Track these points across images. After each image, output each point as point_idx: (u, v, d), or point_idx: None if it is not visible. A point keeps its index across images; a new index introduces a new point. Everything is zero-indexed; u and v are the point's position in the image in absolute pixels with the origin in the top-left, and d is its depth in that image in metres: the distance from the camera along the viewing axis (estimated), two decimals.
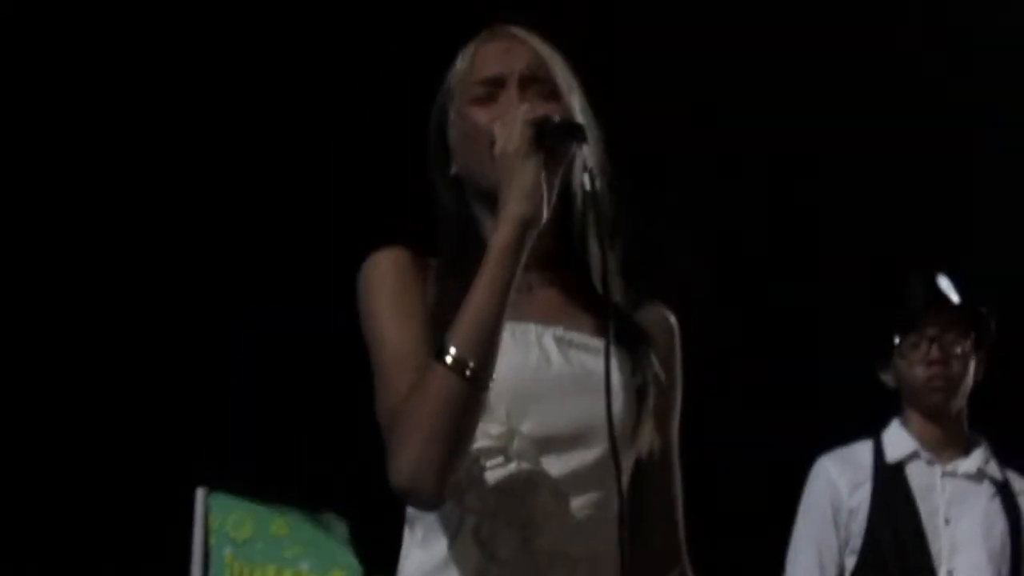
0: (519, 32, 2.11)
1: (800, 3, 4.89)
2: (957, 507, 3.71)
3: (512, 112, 1.95)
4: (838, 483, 3.76)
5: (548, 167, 1.92)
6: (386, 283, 1.98)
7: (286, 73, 4.69)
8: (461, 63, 2.10)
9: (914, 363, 3.73)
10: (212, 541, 3.68)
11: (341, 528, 3.82)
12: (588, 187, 1.93)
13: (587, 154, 1.94)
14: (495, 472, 1.90)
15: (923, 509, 3.70)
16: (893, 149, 4.90)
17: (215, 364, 4.51)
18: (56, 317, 4.52)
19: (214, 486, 3.62)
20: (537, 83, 2.05)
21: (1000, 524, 3.70)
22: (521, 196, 1.89)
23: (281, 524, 3.73)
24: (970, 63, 4.87)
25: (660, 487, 2.10)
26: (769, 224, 4.89)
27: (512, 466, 1.90)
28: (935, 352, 3.70)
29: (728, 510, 4.55)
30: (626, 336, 2.03)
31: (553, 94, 2.05)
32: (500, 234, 1.89)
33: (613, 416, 1.92)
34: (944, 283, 3.80)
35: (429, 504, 1.87)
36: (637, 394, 2.02)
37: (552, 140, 1.93)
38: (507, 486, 1.90)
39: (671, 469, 2.11)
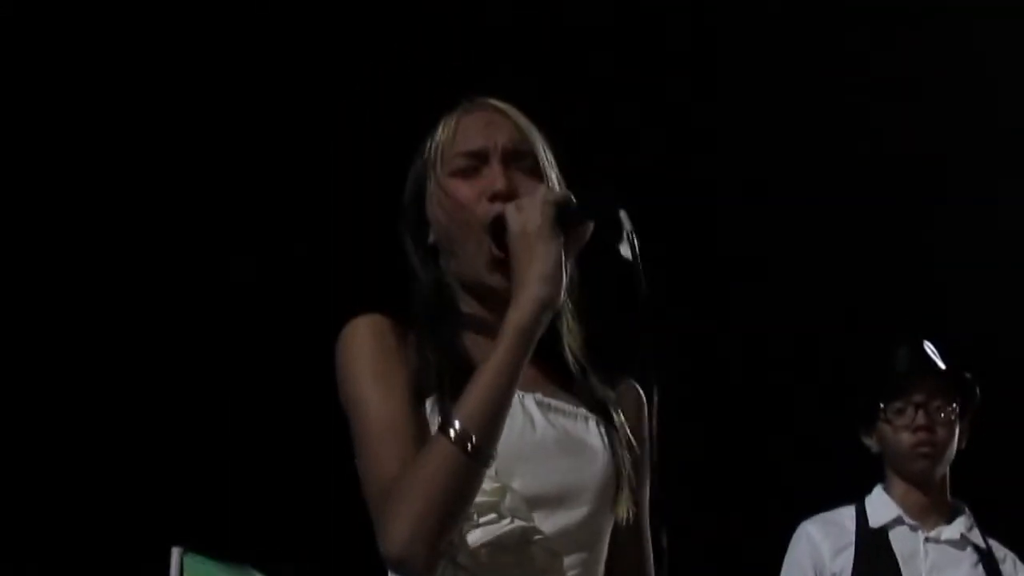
0: (500, 105, 2.12)
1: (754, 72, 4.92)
2: (940, 573, 3.69)
3: (535, 194, 1.94)
4: (821, 547, 3.75)
5: (565, 249, 1.92)
6: (366, 350, 1.97)
7: (288, 79, 4.67)
8: (441, 133, 2.09)
9: (899, 429, 3.73)
10: None
11: None
12: (630, 255, 1.90)
13: (626, 221, 1.90)
14: (488, 528, 1.88)
15: (906, 575, 3.68)
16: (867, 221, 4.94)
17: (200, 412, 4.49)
18: (35, 344, 4.48)
19: (189, 546, 3.62)
20: (519, 158, 2.06)
21: None
22: (542, 278, 1.88)
23: None
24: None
25: (634, 554, 2.10)
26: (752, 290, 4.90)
27: (505, 522, 1.89)
28: (921, 418, 3.70)
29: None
30: (599, 404, 2.07)
31: (535, 170, 2.06)
32: (519, 315, 1.88)
33: (596, 478, 1.98)
34: (930, 349, 3.80)
35: (419, 575, 1.85)
36: (613, 461, 2.03)
37: (574, 220, 1.92)
38: (500, 542, 1.89)
39: (644, 536, 2.12)
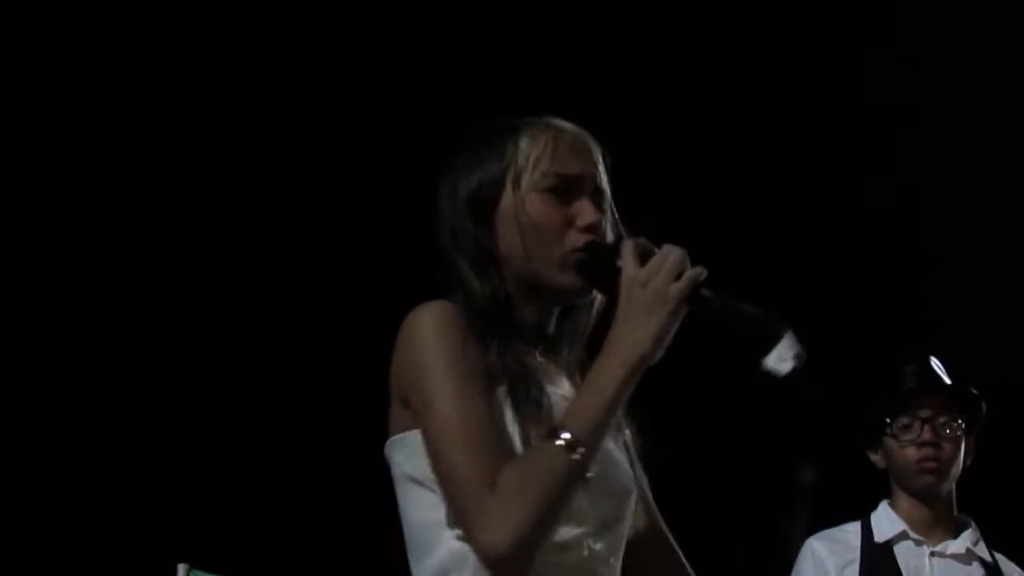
0: (588, 137, 2.13)
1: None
2: None
3: (673, 254, 1.95)
4: (827, 563, 3.74)
5: None
6: (449, 338, 1.95)
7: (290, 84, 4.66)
8: (529, 145, 2.07)
9: (905, 444, 3.72)
10: None
11: None
12: (779, 371, 1.93)
13: (794, 344, 1.92)
14: (567, 570, 1.95)
15: None
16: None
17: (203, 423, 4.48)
18: (26, 378, 4.45)
19: (195, 563, 3.65)
20: (600, 195, 2.09)
21: None
22: (658, 339, 1.92)
23: None
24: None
25: (663, 545, 2.18)
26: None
27: (570, 528, 1.95)
28: (927, 433, 3.69)
29: None
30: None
31: (605, 207, 2.10)
32: (628, 359, 1.92)
33: (629, 486, 2.06)
34: (936, 365, 3.80)
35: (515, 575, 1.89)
36: (633, 470, 2.11)
37: (702, 310, 1.95)
38: (566, 545, 1.95)
39: (664, 528, 2.19)
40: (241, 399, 4.41)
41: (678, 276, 1.93)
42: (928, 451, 3.68)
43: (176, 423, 4.43)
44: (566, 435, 1.86)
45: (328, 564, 4.36)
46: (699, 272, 1.95)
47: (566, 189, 2.05)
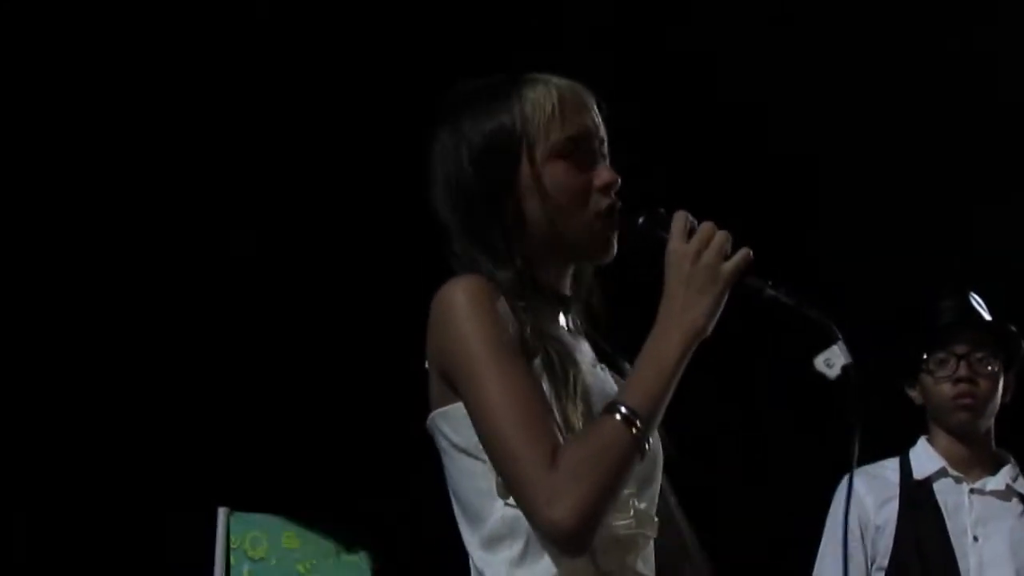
0: (578, 85, 2.11)
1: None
2: (985, 525, 3.67)
3: (719, 233, 1.96)
4: (865, 500, 3.73)
5: None
6: (490, 315, 1.94)
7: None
8: (535, 111, 2.05)
9: (941, 380, 3.70)
10: (232, 560, 3.74)
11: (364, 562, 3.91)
12: (829, 374, 1.94)
13: (845, 354, 1.93)
14: (620, 530, 1.95)
15: (951, 527, 3.66)
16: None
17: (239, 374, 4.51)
18: (71, 327, 4.49)
19: (235, 505, 3.69)
20: (603, 144, 2.10)
21: None
22: (711, 316, 1.94)
23: (292, 536, 3.82)
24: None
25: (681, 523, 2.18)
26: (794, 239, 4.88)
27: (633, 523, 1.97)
28: (963, 370, 3.67)
29: (753, 528, 4.54)
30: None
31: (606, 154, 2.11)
32: (686, 335, 1.93)
33: (659, 448, 2.04)
34: (975, 301, 3.76)
35: (580, 550, 1.88)
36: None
37: (750, 290, 1.98)
38: (627, 543, 1.97)
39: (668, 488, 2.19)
40: (278, 346, 4.44)
41: (725, 255, 1.95)
42: (964, 387, 3.66)
43: (215, 368, 4.47)
44: (624, 410, 1.87)
45: (369, 500, 4.38)
46: (748, 254, 1.96)
47: (578, 149, 2.05)
